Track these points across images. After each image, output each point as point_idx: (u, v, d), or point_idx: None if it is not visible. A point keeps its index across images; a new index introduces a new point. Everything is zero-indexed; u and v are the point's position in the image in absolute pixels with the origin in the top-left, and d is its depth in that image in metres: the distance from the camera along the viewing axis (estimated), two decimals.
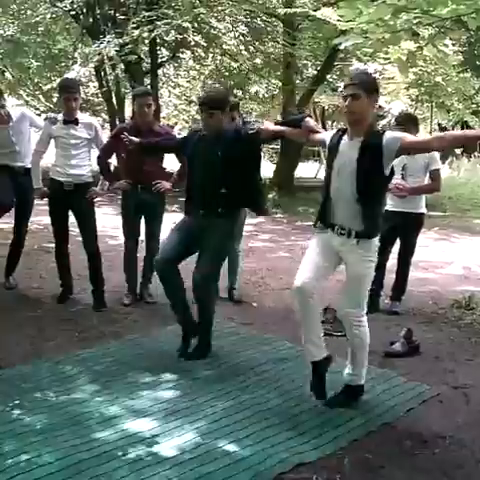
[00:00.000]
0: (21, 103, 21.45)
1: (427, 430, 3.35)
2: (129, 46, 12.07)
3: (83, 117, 5.37)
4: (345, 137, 3.51)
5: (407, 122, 5.26)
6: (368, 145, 3.37)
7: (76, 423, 3.28)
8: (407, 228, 5.37)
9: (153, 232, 5.45)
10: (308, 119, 3.84)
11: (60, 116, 5.25)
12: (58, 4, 15.20)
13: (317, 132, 3.81)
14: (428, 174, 5.32)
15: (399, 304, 5.54)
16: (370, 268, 3.56)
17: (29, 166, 5.46)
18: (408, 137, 3.43)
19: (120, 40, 11.92)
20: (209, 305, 4.36)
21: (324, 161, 4.11)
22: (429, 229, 7.20)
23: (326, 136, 3.71)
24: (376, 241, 3.55)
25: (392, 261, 5.55)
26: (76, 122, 5.17)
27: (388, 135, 3.39)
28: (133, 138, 4.75)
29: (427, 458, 3.09)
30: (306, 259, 3.62)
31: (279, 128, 3.98)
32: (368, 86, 3.41)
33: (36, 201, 5.63)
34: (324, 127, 25.18)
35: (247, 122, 4.24)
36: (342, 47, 6.20)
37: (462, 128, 23.66)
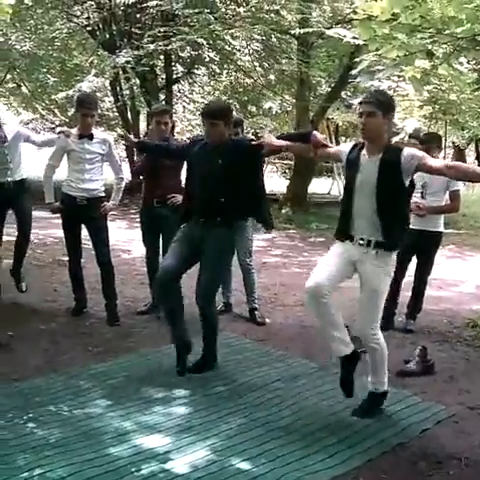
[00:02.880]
0: (36, 117, 21.75)
1: (442, 451, 3.32)
2: (144, 59, 12.17)
3: (97, 133, 5.41)
4: (364, 152, 3.56)
5: (430, 141, 5.27)
6: (386, 162, 3.43)
7: (90, 438, 3.28)
8: (424, 246, 5.35)
9: (169, 246, 5.45)
10: (316, 133, 3.85)
11: (74, 130, 5.29)
12: (75, 20, 15.42)
13: (327, 146, 3.84)
14: (447, 193, 5.30)
15: (414, 322, 5.51)
16: (385, 282, 3.58)
17: (18, 179, 5.55)
18: (425, 159, 3.45)
19: (135, 52, 12.02)
20: (213, 316, 4.38)
21: (337, 177, 4.14)
22: (443, 247, 7.16)
23: (342, 150, 3.75)
24: (394, 255, 3.57)
25: (407, 278, 5.52)
26: (91, 137, 5.22)
27: (406, 152, 3.43)
28: (131, 137, 4.83)
29: (442, 479, 3.06)
30: (321, 262, 3.67)
31: (282, 142, 3.98)
32: (384, 104, 3.47)
33: (49, 215, 5.64)
34: (338, 143, 25.23)
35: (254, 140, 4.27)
36: (362, 85, 6.22)
37: (476, 146, 23.65)
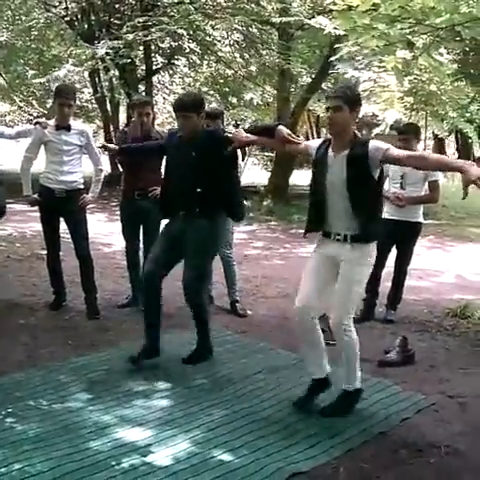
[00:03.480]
0: (14, 108, 21.50)
1: (422, 439, 3.34)
2: (123, 50, 12.06)
3: (75, 124, 5.34)
4: (331, 150, 3.54)
5: (409, 132, 5.28)
6: (353, 157, 3.42)
7: (69, 432, 3.25)
8: (404, 236, 5.37)
9: (151, 239, 5.43)
10: (281, 128, 3.79)
11: (52, 122, 5.22)
12: (52, 10, 15.23)
13: (293, 142, 3.77)
14: (427, 184, 5.32)
15: (394, 313, 5.54)
16: (362, 273, 3.57)
17: None
18: (391, 149, 3.43)
19: (114, 42, 11.90)
20: (202, 308, 4.37)
21: None
22: (423, 237, 7.19)
23: (310, 146, 3.73)
24: (372, 246, 3.57)
25: (387, 269, 5.55)
26: (68, 128, 5.15)
27: (371, 145, 3.42)
28: (110, 146, 4.84)
29: (423, 467, 3.08)
30: (306, 276, 3.66)
31: (250, 137, 3.94)
32: (351, 99, 3.46)
33: (27, 208, 5.58)
34: (319, 134, 25.26)
35: (225, 131, 4.24)
36: (341, 71, 6.25)
37: (456, 137, 23.82)
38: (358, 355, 3.61)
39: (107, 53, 11.86)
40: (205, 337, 4.39)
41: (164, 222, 4.53)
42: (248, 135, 3.94)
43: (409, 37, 4.90)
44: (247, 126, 4.64)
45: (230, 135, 4.04)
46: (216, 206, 4.24)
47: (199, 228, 4.13)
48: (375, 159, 3.39)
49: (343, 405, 3.62)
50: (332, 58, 5.71)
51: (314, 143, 3.76)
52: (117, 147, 4.86)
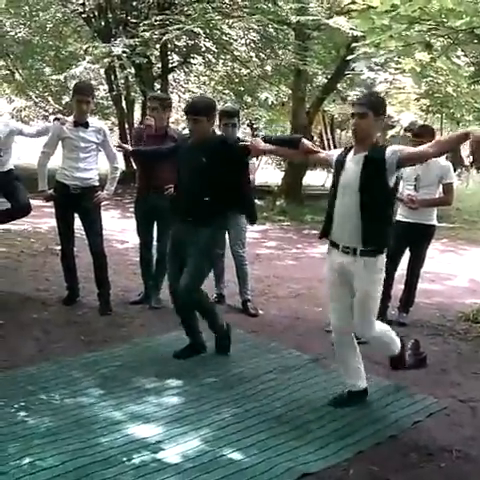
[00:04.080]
0: (30, 104, 21.62)
1: (433, 443, 3.32)
2: (139, 48, 12.09)
3: (93, 121, 5.37)
4: (350, 154, 3.58)
5: (423, 134, 5.24)
6: (371, 159, 3.44)
7: (81, 427, 3.27)
8: (417, 239, 5.34)
9: (164, 237, 5.45)
10: (305, 141, 3.83)
11: (70, 118, 5.25)
12: (70, 6, 15.29)
13: (317, 152, 3.84)
14: (441, 186, 5.30)
15: (406, 316, 5.51)
16: (376, 286, 3.59)
17: (10, 168, 5.71)
18: (406, 149, 3.48)
19: (131, 41, 11.93)
20: (200, 304, 4.35)
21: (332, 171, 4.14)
22: (436, 240, 7.16)
23: (332, 155, 3.77)
24: (382, 257, 3.57)
25: (400, 272, 5.53)
26: (86, 125, 5.17)
27: (389, 149, 3.45)
28: (125, 146, 4.82)
29: (433, 471, 3.06)
30: (331, 295, 3.74)
31: (268, 147, 3.96)
32: (375, 106, 3.50)
33: (42, 203, 5.64)
34: (333, 135, 25.20)
35: (241, 139, 4.24)
36: (357, 70, 6.24)
37: None
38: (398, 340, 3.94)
39: (124, 51, 11.89)
40: (217, 327, 4.47)
41: None
42: (265, 145, 3.95)
43: (427, 39, 4.88)
44: (262, 126, 4.63)
45: (246, 143, 4.05)
46: (222, 213, 4.26)
47: (204, 236, 4.13)
48: (392, 163, 3.40)
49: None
50: (349, 57, 5.68)
51: (335, 152, 3.82)
52: (130, 148, 4.90)
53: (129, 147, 4.88)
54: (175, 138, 5.16)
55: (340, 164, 3.58)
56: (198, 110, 4.10)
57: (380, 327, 3.74)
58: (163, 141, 5.11)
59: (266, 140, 4.01)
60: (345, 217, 3.51)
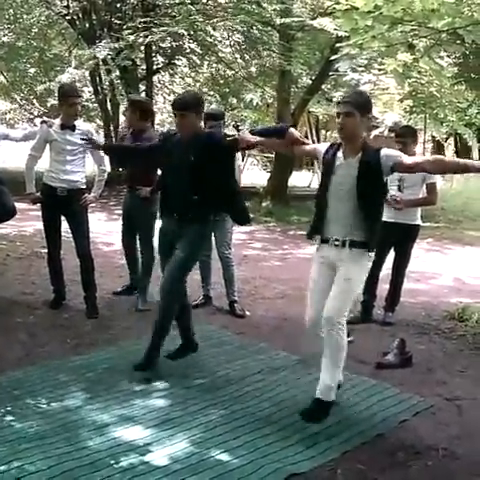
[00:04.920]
0: (15, 107, 21.49)
1: (420, 442, 3.34)
2: (124, 51, 12.07)
3: (80, 124, 5.35)
4: (340, 154, 3.56)
5: (406, 135, 5.30)
6: (366, 163, 3.45)
7: (68, 430, 3.25)
8: (402, 239, 5.38)
9: (141, 237, 5.62)
10: (292, 130, 3.81)
11: (57, 120, 5.23)
12: (53, 8, 15.23)
13: (303, 143, 3.82)
14: (424, 186, 5.34)
15: (392, 315, 5.55)
16: (359, 276, 3.58)
17: None
18: (403, 158, 3.50)
19: (115, 45, 11.91)
20: (169, 309, 4.18)
21: (317, 170, 4.15)
22: (421, 240, 7.21)
23: (319, 149, 3.75)
24: (369, 255, 3.59)
25: (385, 272, 5.56)
26: (73, 128, 5.16)
27: (383, 152, 3.46)
28: (95, 139, 4.90)
29: (420, 470, 3.08)
30: (310, 291, 3.71)
31: (256, 138, 3.90)
32: (361, 105, 3.50)
33: (27, 206, 5.62)
34: (318, 136, 25.29)
35: (228, 135, 4.19)
36: (341, 69, 6.27)
37: (455, 140, 23.87)
38: (343, 361, 3.57)
39: (109, 55, 11.88)
40: (159, 337, 4.21)
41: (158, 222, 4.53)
42: (255, 137, 3.90)
43: (410, 40, 4.92)
44: (246, 127, 4.66)
45: (236, 137, 3.99)
46: (210, 211, 4.19)
47: (191, 233, 4.08)
48: (387, 166, 3.43)
49: (319, 412, 3.54)
50: (333, 57, 5.71)
51: (322, 146, 3.78)
52: (100, 142, 4.94)
53: (98, 142, 4.89)
54: (151, 138, 5.18)
55: (330, 164, 3.57)
56: (185, 105, 4.01)
57: (344, 334, 3.53)
58: (137, 141, 5.21)
59: (253, 132, 3.97)
60: (338, 215, 3.53)
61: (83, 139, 4.70)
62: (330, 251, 3.58)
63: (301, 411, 3.56)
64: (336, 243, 3.55)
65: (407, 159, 3.53)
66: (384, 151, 3.48)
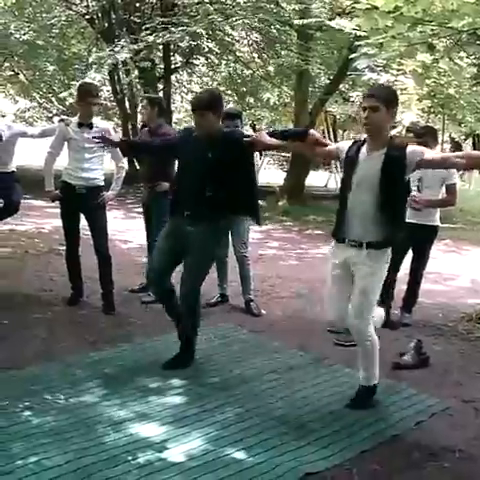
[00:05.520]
0: (34, 105, 21.66)
1: (436, 443, 3.33)
2: (143, 52, 12.11)
3: (97, 122, 5.39)
4: (364, 149, 3.52)
5: (426, 135, 5.26)
6: (392, 157, 3.40)
7: (85, 426, 3.28)
8: (420, 240, 5.35)
9: (156, 229, 5.58)
10: (313, 131, 3.79)
11: (74, 119, 5.28)
12: (73, 8, 15.34)
13: (325, 144, 3.77)
14: (444, 187, 5.31)
15: (409, 316, 5.52)
16: (377, 280, 3.57)
17: (9, 171, 5.68)
18: (428, 153, 3.45)
19: (134, 46, 11.97)
20: (194, 314, 4.24)
21: (334, 170, 4.08)
22: (439, 241, 7.18)
23: (342, 147, 3.68)
24: (387, 253, 3.56)
25: (403, 272, 5.54)
26: (90, 126, 5.20)
27: (410, 149, 3.42)
28: (113, 139, 4.89)
29: (436, 471, 3.07)
30: (331, 287, 3.73)
31: (274, 141, 3.85)
32: (387, 99, 3.43)
33: (46, 203, 5.67)
34: (335, 136, 25.21)
35: (246, 135, 4.16)
36: (360, 68, 6.23)
37: (473, 141, 23.68)
38: (377, 355, 3.68)
39: (131, 57, 11.94)
40: (191, 342, 4.28)
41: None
42: (271, 139, 3.84)
43: (430, 40, 4.89)
44: (266, 127, 4.64)
45: (253, 137, 3.98)
46: (224, 210, 4.13)
47: (204, 233, 4.02)
48: (412, 162, 3.38)
49: (364, 399, 3.71)
50: (351, 56, 5.68)
51: (345, 144, 3.72)
52: (117, 139, 4.97)
53: (116, 140, 4.91)
54: (168, 133, 5.38)
55: (352, 160, 3.53)
56: (203, 104, 3.99)
57: (374, 335, 3.64)
58: (155, 136, 5.33)
59: (272, 134, 3.90)
60: (359, 214, 3.50)
61: (95, 137, 4.72)
62: (347, 251, 3.56)
63: (346, 404, 3.69)
64: (353, 243, 3.52)
65: (435, 155, 3.49)
66: (411, 147, 3.44)
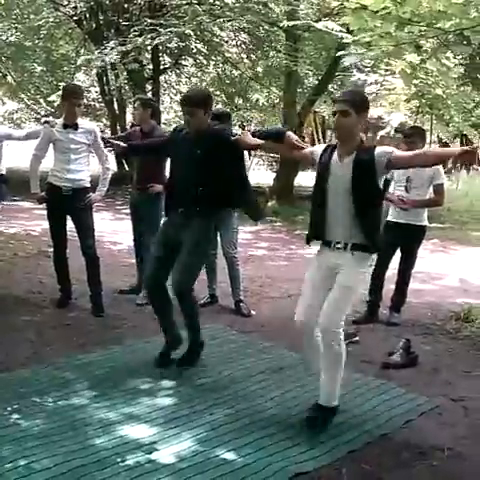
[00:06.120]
0: (22, 106, 21.56)
1: (425, 442, 3.34)
2: (132, 54, 12.09)
3: (83, 122, 5.38)
4: (335, 155, 3.48)
5: (414, 135, 5.29)
6: (360, 163, 3.38)
7: (74, 428, 3.27)
8: (408, 240, 5.38)
9: (147, 232, 5.63)
10: (290, 134, 3.77)
11: (59, 120, 5.26)
12: (61, 9, 15.28)
13: (301, 148, 3.72)
14: (431, 187, 5.33)
15: (398, 315, 5.55)
16: (358, 282, 3.49)
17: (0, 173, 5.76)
18: (396, 152, 3.42)
19: (123, 48, 11.94)
20: (192, 310, 4.27)
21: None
22: (427, 240, 7.21)
23: (316, 151, 3.63)
24: (370, 257, 3.52)
25: (391, 272, 5.56)
26: (75, 127, 5.18)
27: (378, 150, 3.40)
28: (119, 143, 4.87)
29: (425, 470, 3.08)
30: (304, 289, 3.62)
31: (256, 141, 3.85)
32: (358, 103, 3.41)
33: (34, 205, 5.66)
34: (324, 136, 25.25)
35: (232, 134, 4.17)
36: (346, 64, 6.26)
37: (461, 141, 23.82)
38: (342, 369, 3.45)
39: (117, 55, 11.90)
40: (196, 334, 4.33)
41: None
42: (255, 139, 3.84)
43: (417, 40, 4.91)
44: (253, 128, 4.65)
45: (237, 137, 3.99)
46: (216, 205, 4.18)
47: (197, 227, 4.08)
48: (381, 164, 3.35)
49: (322, 419, 3.44)
50: (339, 53, 5.70)
51: (318, 148, 3.68)
52: (122, 144, 4.94)
53: (122, 145, 4.90)
54: (162, 135, 5.41)
55: (325, 166, 3.49)
56: (193, 101, 4.02)
57: (342, 342, 3.41)
58: (147, 138, 5.39)
59: (255, 134, 3.91)
60: (338, 217, 3.46)
61: (104, 140, 4.80)
62: (331, 255, 3.50)
63: (305, 418, 3.47)
64: (338, 246, 3.46)
65: (405, 152, 3.47)
66: (378, 149, 3.41)
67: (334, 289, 3.44)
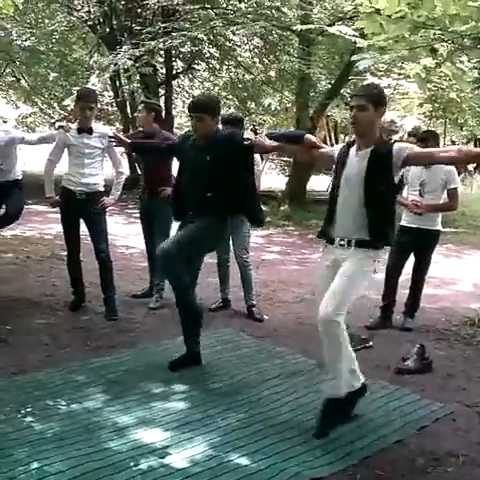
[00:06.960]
0: (35, 111, 21.69)
1: (440, 448, 3.32)
2: (145, 57, 12.13)
3: (97, 127, 5.41)
4: (353, 149, 3.51)
5: (428, 139, 5.26)
6: (377, 155, 3.38)
7: (88, 432, 3.28)
8: (422, 244, 5.35)
9: (159, 236, 5.57)
10: (309, 135, 3.78)
11: (74, 125, 5.29)
12: (75, 13, 15.38)
13: (320, 147, 3.75)
14: (446, 192, 5.30)
15: (412, 320, 5.51)
16: (359, 275, 3.42)
17: (15, 178, 5.79)
18: (415, 148, 3.44)
19: (136, 51, 11.99)
20: (183, 292, 4.15)
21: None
22: (441, 245, 7.17)
23: (334, 150, 3.69)
24: (381, 252, 3.47)
25: (405, 277, 5.54)
26: (90, 131, 5.21)
27: (396, 146, 3.41)
28: (124, 138, 4.91)
29: (440, 476, 3.06)
30: (318, 289, 3.63)
31: (273, 144, 3.88)
32: (375, 98, 3.41)
33: (48, 209, 5.69)
34: (337, 140, 25.22)
35: (245, 138, 4.16)
36: (361, 68, 6.23)
37: (475, 145, 23.69)
38: (347, 360, 3.41)
39: (130, 59, 11.96)
40: (193, 337, 4.27)
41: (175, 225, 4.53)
42: (270, 141, 3.88)
43: (432, 44, 4.89)
44: (265, 131, 4.66)
45: (253, 140, 4.00)
46: (224, 210, 4.16)
47: (204, 221, 4.06)
48: (399, 159, 3.34)
49: (329, 413, 3.42)
50: (353, 57, 5.69)
51: (337, 147, 3.72)
52: (126, 139, 4.98)
53: (127, 141, 4.92)
54: (168, 138, 5.50)
55: (342, 159, 3.52)
56: (200, 107, 4.03)
57: (342, 332, 3.34)
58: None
59: (271, 137, 3.93)
60: (346, 211, 3.46)
61: (110, 136, 4.86)
62: (336, 251, 3.51)
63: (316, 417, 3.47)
64: (341, 243, 3.48)
65: (423, 150, 3.45)
66: (397, 144, 3.43)
67: (335, 280, 3.42)
